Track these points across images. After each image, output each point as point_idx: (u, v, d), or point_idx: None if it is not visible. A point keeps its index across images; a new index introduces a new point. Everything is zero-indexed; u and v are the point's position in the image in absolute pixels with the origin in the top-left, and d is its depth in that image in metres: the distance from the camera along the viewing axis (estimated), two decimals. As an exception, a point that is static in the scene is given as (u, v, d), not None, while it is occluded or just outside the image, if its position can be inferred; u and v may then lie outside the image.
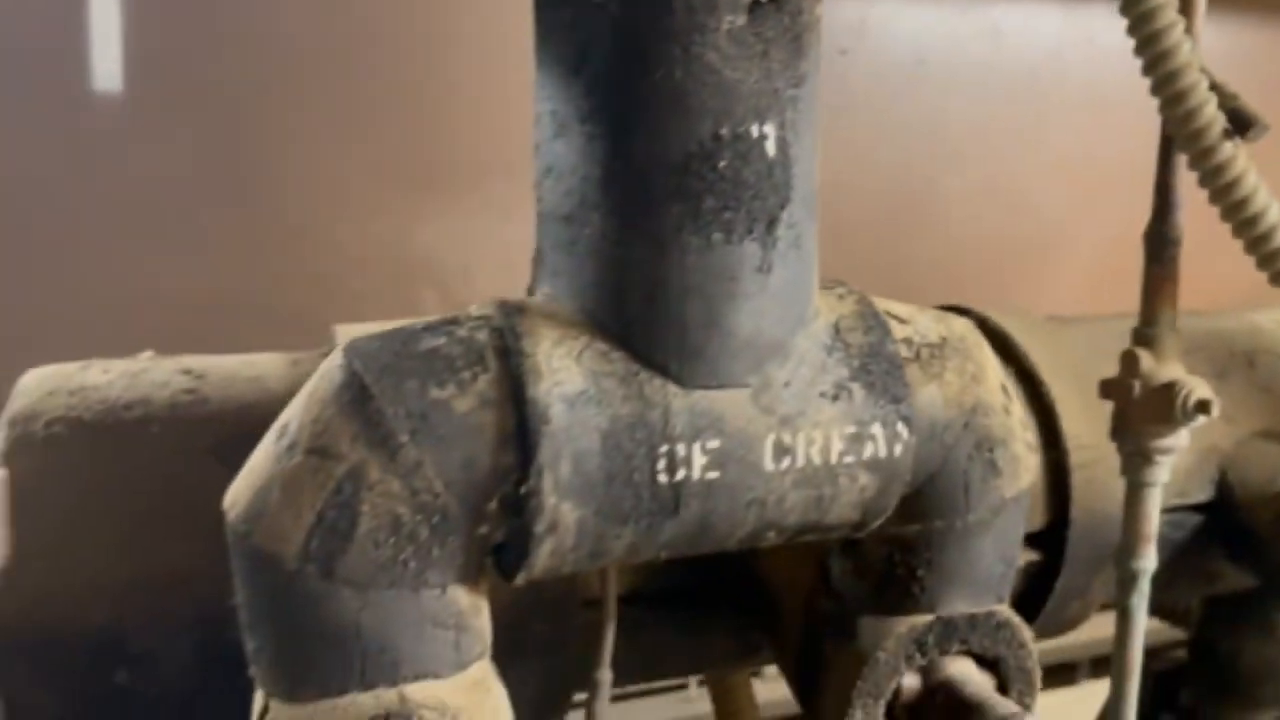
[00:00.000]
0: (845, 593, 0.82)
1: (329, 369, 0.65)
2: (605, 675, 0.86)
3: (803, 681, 0.87)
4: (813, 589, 0.86)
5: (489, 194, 1.50)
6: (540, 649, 0.88)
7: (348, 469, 0.62)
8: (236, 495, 0.66)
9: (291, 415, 0.65)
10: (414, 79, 1.42)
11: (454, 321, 0.68)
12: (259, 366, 0.93)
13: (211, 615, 0.81)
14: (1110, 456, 1.04)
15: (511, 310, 0.67)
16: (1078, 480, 1.05)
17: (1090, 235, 1.78)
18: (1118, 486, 1.04)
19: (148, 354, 0.97)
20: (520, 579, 0.68)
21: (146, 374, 0.90)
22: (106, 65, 1.29)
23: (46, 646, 0.77)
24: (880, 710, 0.78)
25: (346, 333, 0.93)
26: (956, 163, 1.70)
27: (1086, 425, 1.07)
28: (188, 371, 0.91)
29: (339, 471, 0.62)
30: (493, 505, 0.64)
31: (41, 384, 0.86)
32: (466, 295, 1.54)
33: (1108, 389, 0.96)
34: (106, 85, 1.31)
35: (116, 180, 1.33)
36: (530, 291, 0.85)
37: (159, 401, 0.86)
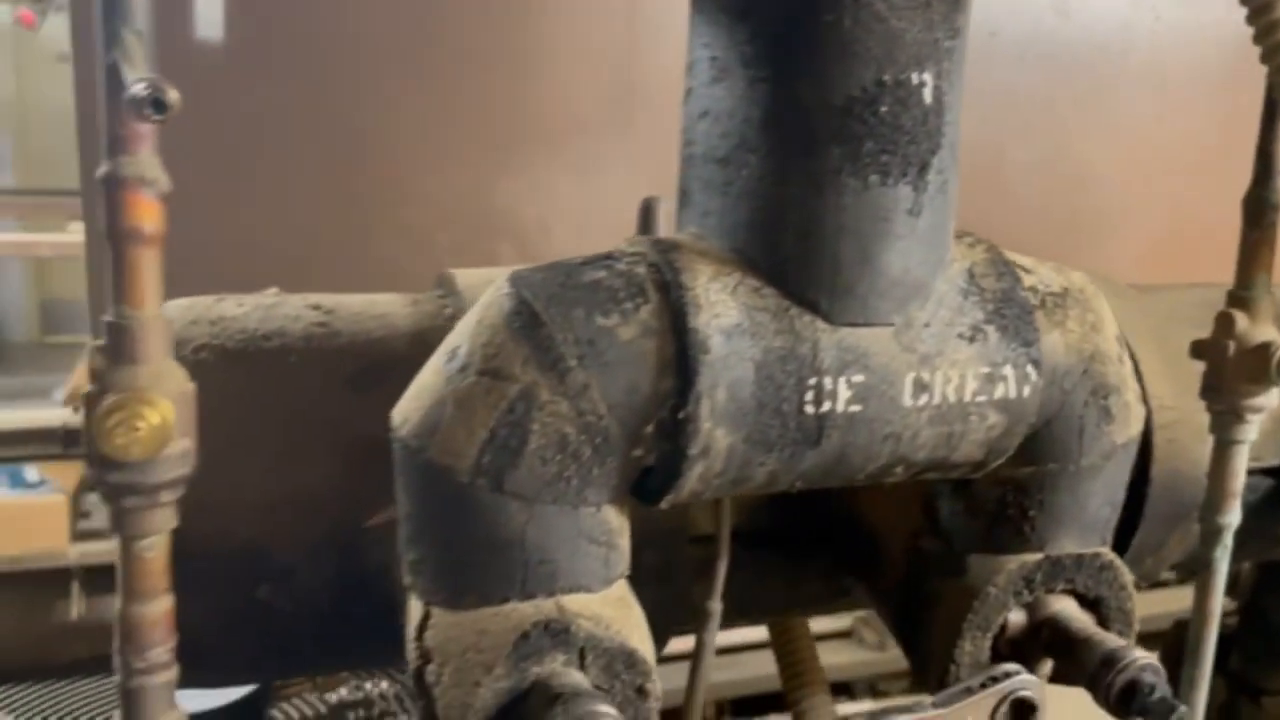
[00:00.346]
0: (954, 533, 0.85)
1: (496, 298, 0.69)
2: (716, 606, 0.90)
3: (903, 620, 0.90)
4: (916, 530, 0.90)
5: (567, 153, 1.53)
6: (651, 579, 0.92)
7: (520, 390, 0.66)
8: (406, 413, 0.69)
9: (461, 339, 0.69)
10: (502, 37, 1.45)
11: (610, 257, 0.71)
12: (383, 305, 0.97)
13: (348, 536, 0.86)
14: (1191, 418, 1.07)
15: (666, 247, 0.71)
16: (1159, 440, 1.08)
17: (1151, 209, 1.81)
18: (1197, 447, 1.07)
19: (273, 290, 1.00)
20: (665, 502, 0.72)
21: (278, 308, 0.93)
22: (209, 13, 1.32)
23: (196, 559, 0.81)
24: (987, 643, 0.82)
25: (464, 278, 0.97)
26: (1024, 134, 1.73)
27: (1168, 387, 1.10)
28: (317, 307, 0.94)
29: (511, 392, 0.66)
30: (649, 429, 0.68)
31: (183, 313, 0.90)
32: (543, 250, 1.57)
33: (1200, 349, 0.99)
34: (208, 33, 1.34)
35: (213, 127, 1.36)
36: (642, 232, 0.88)
37: (294, 333, 0.90)
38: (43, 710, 1.15)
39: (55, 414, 1.39)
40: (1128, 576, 0.84)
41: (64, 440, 1.45)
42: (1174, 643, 1.60)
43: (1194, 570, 1.14)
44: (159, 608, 0.67)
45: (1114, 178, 1.79)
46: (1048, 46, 1.74)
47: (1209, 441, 1.04)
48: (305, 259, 1.38)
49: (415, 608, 0.71)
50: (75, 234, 3.47)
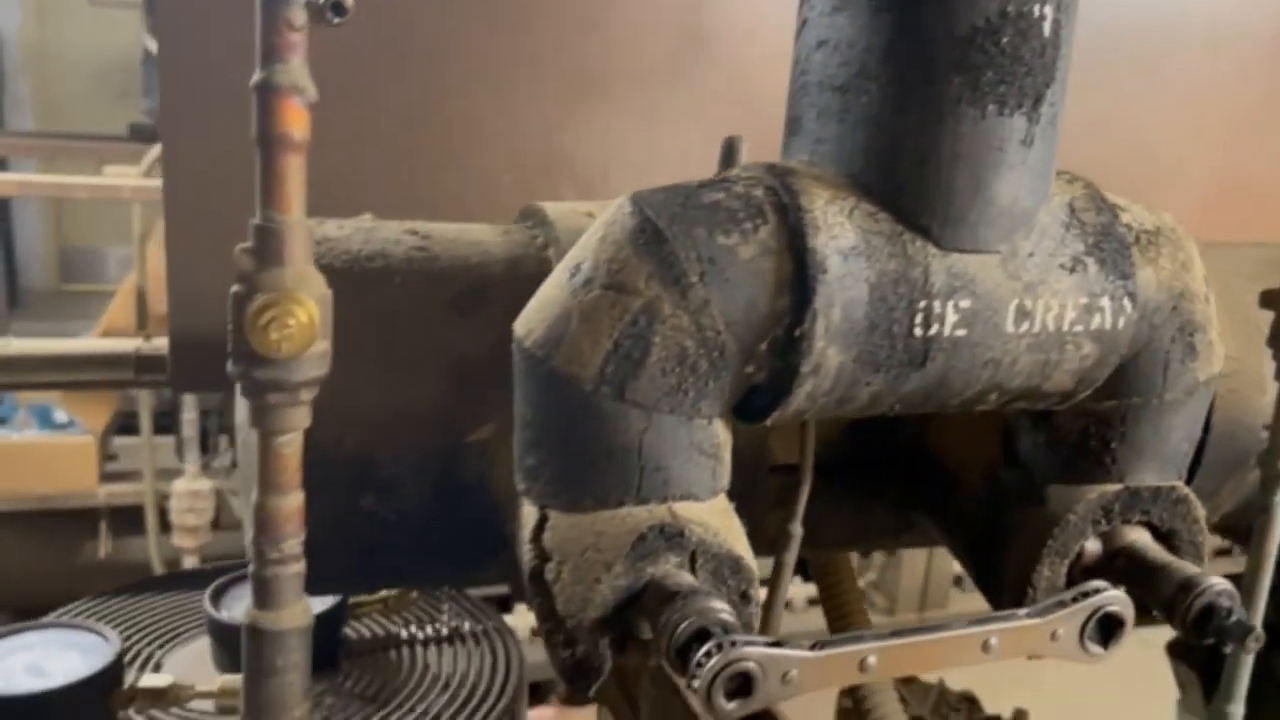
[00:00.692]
0: (1034, 464, 0.88)
1: (619, 216, 0.72)
2: (797, 529, 0.93)
3: (978, 549, 0.93)
4: (993, 463, 0.93)
5: (631, 100, 1.55)
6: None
7: (643, 303, 0.68)
8: (530, 325, 0.72)
9: (584, 255, 0.72)
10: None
11: (726, 180, 0.74)
12: (475, 233, 0.99)
13: (449, 450, 0.89)
14: (1251, 369, 1.10)
15: (782, 172, 0.73)
16: (1220, 389, 1.10)
17: (1202, 171, 1.82)
18: (1256, 398, 1.10)
19: (367, 216, 1.03)
20: (770, 420, 0.75)
21: (378, 232, 0.96)
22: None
23: (309, 468, 0.85)
24: (1064, 569, 0.85)
25: (553, 209, 0.99)
26: (1077, 94, 1.73)
27: (1230, 339, 1.13)
28: (414, 232, 0.97)
29: (635, 305, 0.68)
30: (763, 346, 0.70)
31: (289, 233, 0.92)
32: (603, 194, 1.59)
33: (1270, 298, 1.01)
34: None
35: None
36: (726, 164, 0.90)
37: (396, 256, 0.93)
38: (130, 620, 1.20)
39: (128, 342, 1.43)
40: (1200, 511, 0.87)
41: (136, 366, 1.50)
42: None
43: (1242, 522, 1.18)
44: (293, 502, 0.70)
45: (1166, 139, 1.81)
46: (1105, 7, 1.75)
47: (1269, 391, 1.06)
48: (374, 196, 1.40)
49: (529, 512, 0.75)
50: (111, 178, 3.48)
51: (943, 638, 0.68)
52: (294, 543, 0.71)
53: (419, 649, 1.22)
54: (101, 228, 6.73)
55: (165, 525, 3.65)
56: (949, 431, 0.98)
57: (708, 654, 0.62)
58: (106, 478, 3.89)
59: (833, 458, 1.05)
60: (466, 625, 1.26)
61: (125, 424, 4.11)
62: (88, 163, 4.28)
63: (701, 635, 0.64)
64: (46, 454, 3.90)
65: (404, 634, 1.23)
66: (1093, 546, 0.86)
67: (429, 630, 1.24)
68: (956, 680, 2.26)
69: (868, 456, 1.06)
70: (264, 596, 0.71)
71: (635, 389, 0.69)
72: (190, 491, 3.61)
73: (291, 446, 0.69)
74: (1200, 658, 1.60)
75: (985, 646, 0.69)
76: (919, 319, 0.71)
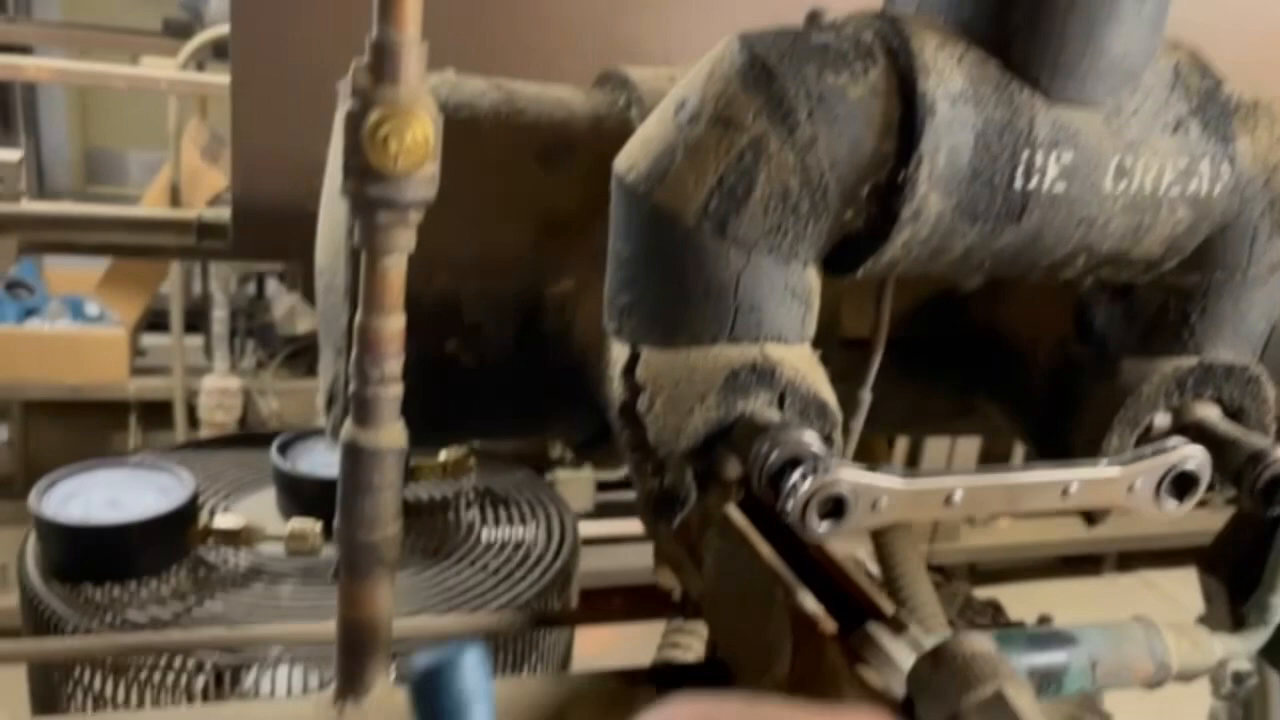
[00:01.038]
0: (1109, 337, 0.89)
1: (728, 53, 0.72)
2: (866, 395, 0.95)
3: (1044, 426, 0.95)
4: (1064, 339, 0.93)
5: (696, -13, 1.52)
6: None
7: (750, 139, 0.69)
8: (633, 160, 0.73)
9: (690, 91, 0.72)
10: None
11: (834, 24, 0.74)
12: (557, 91, 0.99)
13: (531, 300, 0.91)
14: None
15: (892, 17, 0.73)
16: None
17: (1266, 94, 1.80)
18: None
19: (450, 70, 1.03)
20: (861, 271, 0.76)
21: (463, 84, 0.96)
22: None
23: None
24: (1133, 440, 0.87)
25: (635, 72, 0.99)
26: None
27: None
28: (498, 87, 0.97)
29: (741, 141, 0.69)
30: (864, 191, 0.71)
31: (376, 80, 0.93)
32: (664, 84, 1.58)
33: (1351, 193, 1.01)
34: None
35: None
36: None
37: (483, 107, 0.93)
38: (194, 471, 1.23)
39: (190, 210, 1.43)
40: (1271, 392, 0.88)
41: (199, 231, 1.51)
42: (1229, 536, 1.66)
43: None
44: (395, 323, 0.72)
45: (1229, 62, 1.78)
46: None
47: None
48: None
49: (620, 350, 0.76)
50: (149, 69, 3.45)
51: (1026, 479, 0.70)
52: (395, 364, 0.72)
53: (476, 511, 1.25)
54: (126, 129, 6.70)
55: (193, 421, 3.71)
56: (1019, 307, 0.98)
57: (803, 476, 0.64)
58: (137, 372, 3.94)
59: (898, 338, 1.06)
60: (522, 492, 1.29)
61: (154, 322, 4.15)
62: (119, 59, 4.24)
63: (794, 463, 0.66)
64: (78, 345, 3.94)
65: (461, 497, 1.26)
66: (1162, 421, 0.87)
67: (485, 495, 1.27)
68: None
69: (933, 337, 1.06)
70: (364, 415, 0.73)
71: (737, 226, 0.70)
72: (219, 389, 3.66)
73: (396, 268, 0.71)
74: (1228, 568, 1.63)
75: (1065, 492, 0.71)
76: (1020, 170, 0.71)
